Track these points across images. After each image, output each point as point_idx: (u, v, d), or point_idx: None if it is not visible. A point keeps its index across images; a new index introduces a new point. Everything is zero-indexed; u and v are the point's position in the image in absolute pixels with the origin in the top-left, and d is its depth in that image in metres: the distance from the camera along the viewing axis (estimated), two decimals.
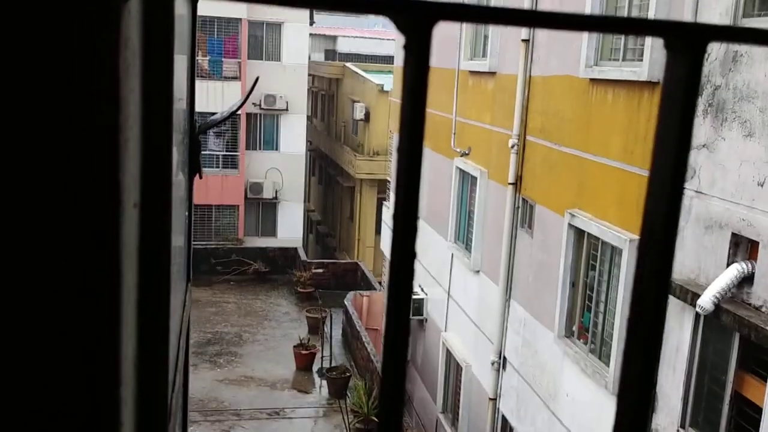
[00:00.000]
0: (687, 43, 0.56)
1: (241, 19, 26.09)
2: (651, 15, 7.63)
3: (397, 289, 0.54)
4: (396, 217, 0.55)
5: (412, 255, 0.56)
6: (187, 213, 1.62)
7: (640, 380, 0.57)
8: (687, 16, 7.05)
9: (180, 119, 1.44)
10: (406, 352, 0.55)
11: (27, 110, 0.51)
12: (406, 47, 0.53)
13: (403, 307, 0.54)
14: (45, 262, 0.54)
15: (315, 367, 18.40)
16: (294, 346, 18.60)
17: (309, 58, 29.29)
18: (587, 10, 8.89)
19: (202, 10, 28.10)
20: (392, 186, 18.13)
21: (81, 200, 0.53)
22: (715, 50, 6.66)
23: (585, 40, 8.96)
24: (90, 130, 0.51)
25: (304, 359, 18.33)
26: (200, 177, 1.71)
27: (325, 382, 17.56)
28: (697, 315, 6.74)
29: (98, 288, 0.54)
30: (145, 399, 0.80)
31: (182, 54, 1.49)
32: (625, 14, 8.43)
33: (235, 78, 26.29)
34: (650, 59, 7.63)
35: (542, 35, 10.34)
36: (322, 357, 18.24)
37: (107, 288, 0.55)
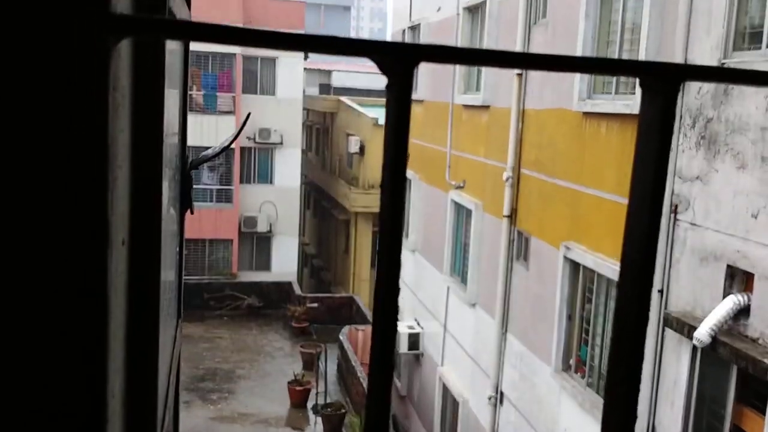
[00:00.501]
0: (661, 82, 0.57)
1: (235, 54, 26.33)
2: (642, 49, 7.73)
3: (382, 321, 0.54)
4: (381, 254, 0.56)
5: (396, 288, 0.56)
6: (178, 249, 1.63)
7: (625, 400, 0.58)
8: (678, 51, 7.14)
9: (171, 154, 1.45)
10: (391, 381, 0.55)
11: (16, 147, 0.52)
12: (388, 87, 0.54)
13: (388, 343, 0.55)
14: (32, 295, 0.54)
15: (310, 404, 18.21)
16: (288, 382, 18.43)
17: (303, 92, 29.50)
18: (579, 45, 9.01)
19: (197, 45, 28.24)
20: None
21: (69, 237, 0.53)
22: (706, 83, 6.74)
23: (578, 74, 9.06)
24: (78, 171, 0.52)
25: (299, 396, 18.15)
26: (191, 212, 1.72)
27: (320, 419, 17.36)
28: (695, 348, 6.72)
29: (84, 325, 0.54)
30: None
31: (174, 89, 1.50)
32: (617, 49, 8.54)
33: (229, 112, 26.43)
34: None
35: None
36: (317, 393, 18.07)
37: (93, 324, 0.55)
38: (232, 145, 26.77)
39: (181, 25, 0.49)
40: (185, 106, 1.73)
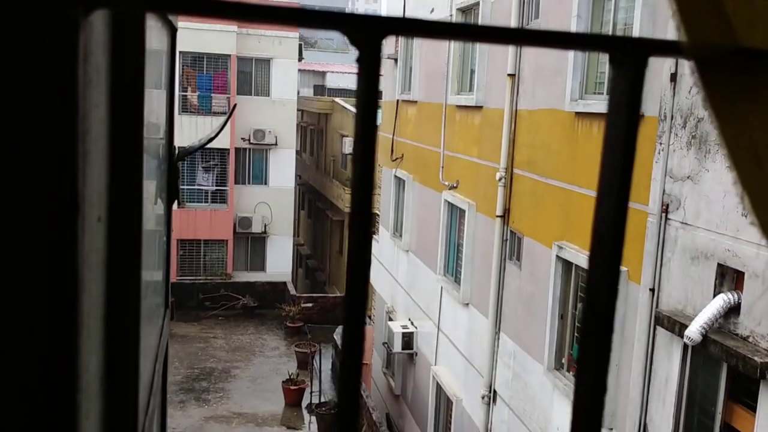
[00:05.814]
0: (629, 56, 0.58)
1: (230, 55, 26.32)
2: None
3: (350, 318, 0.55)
4: (351, 235, 0.57)
5: (367, 261, 0.57)
6: (165, 238, 1.63)
7: (593, 386, 0.59)
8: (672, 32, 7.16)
9: (158, 146, 1.46)
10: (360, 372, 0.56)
11: None
12: (358, 60, 0.56)
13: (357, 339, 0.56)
14: None
15: (304, 403, 18.22)
16: (283, 382, 18.44)
17: (298, 93, 29.51)
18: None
19: (191, 46, 27.90)
20: (380, 216, 18.08)
21: (37, 209, 0.53)
22: None
23: (570, 74, 9.09)
24: (45, 143, 0.52)
25: (293, 395, 18.16)
26: (179, 205, 1.72)
27: (314, 418, 17.38)
28: (686, 346, 6.74)
29: (55, 299, 0.55)
30: (112, 415, 0.80)
31: (159, 88, 1.50)
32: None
33: (224, 113, 26.42)
34: None
35: (528, 70, 10.48)
36: (311, 392, 18.08)
37: (65, 299, 0.55)
38: (228, 146, 26.61)
39: None
40: (172, 101, 1.73)
